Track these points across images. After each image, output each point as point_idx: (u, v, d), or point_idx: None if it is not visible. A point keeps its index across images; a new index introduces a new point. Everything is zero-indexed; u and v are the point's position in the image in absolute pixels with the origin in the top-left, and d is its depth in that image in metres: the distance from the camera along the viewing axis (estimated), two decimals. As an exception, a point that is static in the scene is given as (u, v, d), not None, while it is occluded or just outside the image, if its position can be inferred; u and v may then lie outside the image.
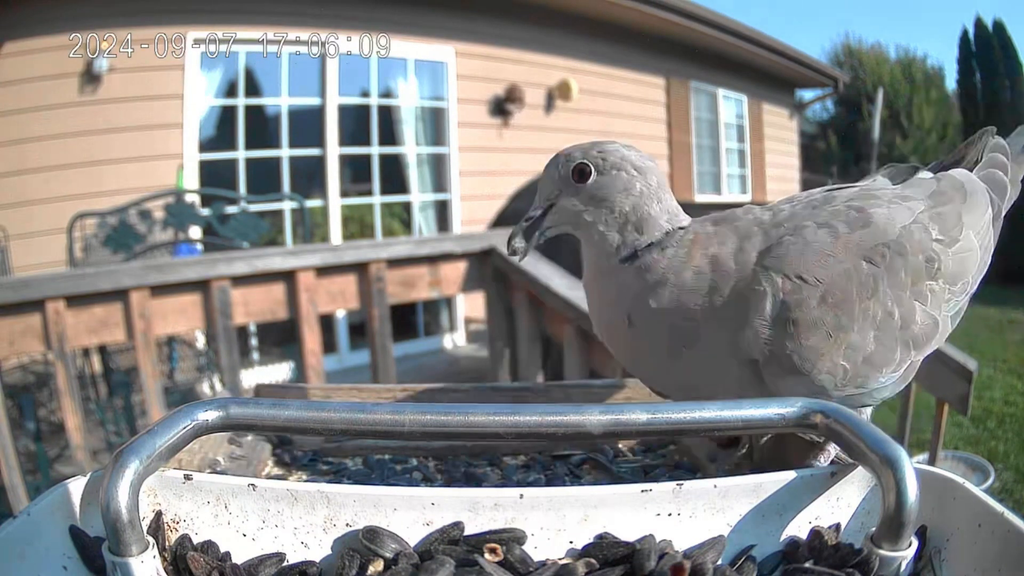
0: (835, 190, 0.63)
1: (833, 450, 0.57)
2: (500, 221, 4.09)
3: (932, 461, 1.97)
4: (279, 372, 4.21)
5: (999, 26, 12.12)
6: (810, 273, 0.53)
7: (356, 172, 5.71)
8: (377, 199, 5.54)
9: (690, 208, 0.63)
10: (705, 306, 0.55)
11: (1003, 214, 0.66)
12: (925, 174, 0.66)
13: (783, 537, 0.45)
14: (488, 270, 2.41)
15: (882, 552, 0.40)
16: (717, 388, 0.56)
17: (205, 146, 4.64)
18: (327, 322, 4.80)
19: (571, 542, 0.44)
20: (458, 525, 0.43)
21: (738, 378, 0.56)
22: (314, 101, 5.07)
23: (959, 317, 0.62)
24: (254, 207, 4.31)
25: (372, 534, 0.42)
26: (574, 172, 0.58)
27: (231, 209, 4.10)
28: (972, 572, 0.40)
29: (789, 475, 0.45)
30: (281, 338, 4.44)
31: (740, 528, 0.44)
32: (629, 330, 0.57)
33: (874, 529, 0.41)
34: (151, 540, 0.38)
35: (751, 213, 0.59)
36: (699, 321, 0.55)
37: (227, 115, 4.79)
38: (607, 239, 0.58)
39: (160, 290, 1.99)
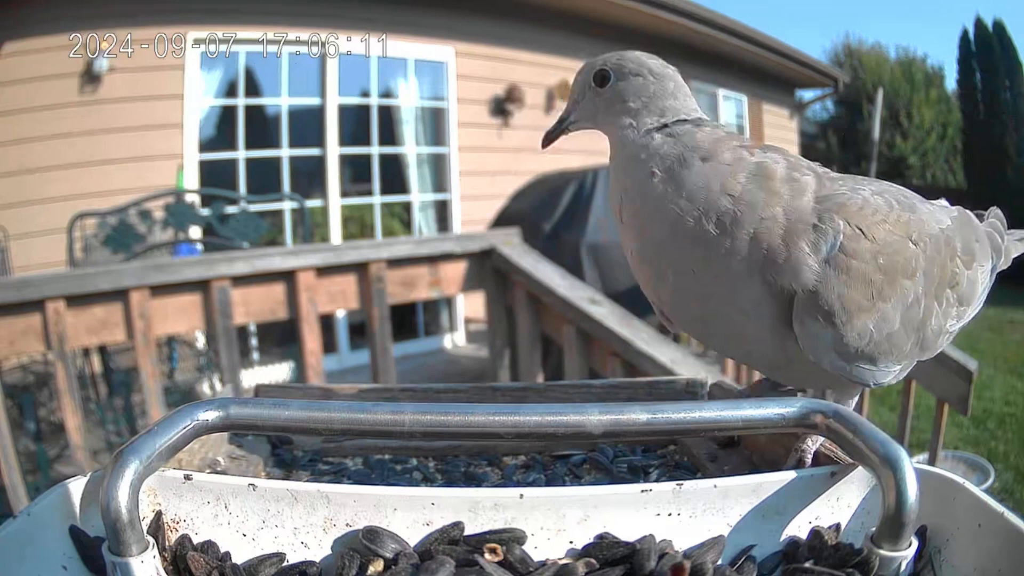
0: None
1: (812, 443, 0.56)
2: (500, 221, 4.09)
3: (932, 461, 1.97)
4: (279, 372, 4.21)
5: (999, 26, 12.11)
6: (870, 230, 0.53)
7: (356, 172, 5.71)
8: (377, 199, 5.54)
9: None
10: (745, 197, 0.52)
11: (993, 275, 0.68)
12: (945, 204, 0.66)
13: (783, 537, 0.45)
14: (488, 270, 2.41)
15: (882, 552, 0.40)
16: (723, 290, 0.54)
17: (205, 146, 4.64)
18: (327, 322, 4.80)
19: (571, 542, 0.44)
20: (458, 525, 0.43)
21: (754, 299, 0.53)
22: (314, 101, 5.07)
23: (949, 340, 0.62)
24: (254, 207, 4.31)
25: (372, 534, 0.42)
26: (595, 77, 0.61)
27: (231, 209, 4.10)
28: (972, 572, 0.40)
29: (789, 475, 0.45)
30: (281, 338, 4.44)
31: (740, 528, 0.44)
32: (653, 185, 0.55)
33: (874, 529, 0.41)
34: (151, 540, 0.38)
35: (795, 156, 0.59)
36: (737, 205, 0.52)
37: (227, 115, 4.79)
38: (627, 121, 0.59)
39: (160, 290, 1.99)
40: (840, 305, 0.52)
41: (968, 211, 0.67)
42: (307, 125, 5.12)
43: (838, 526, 0.45)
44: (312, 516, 0.44)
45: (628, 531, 0.44)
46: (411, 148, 5.64)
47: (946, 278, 0.58)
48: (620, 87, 0.60)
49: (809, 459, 0.56)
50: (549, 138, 0.66)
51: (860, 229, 0.53)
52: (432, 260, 2.36)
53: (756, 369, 0.66)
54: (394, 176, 5.61)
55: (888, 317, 0.54)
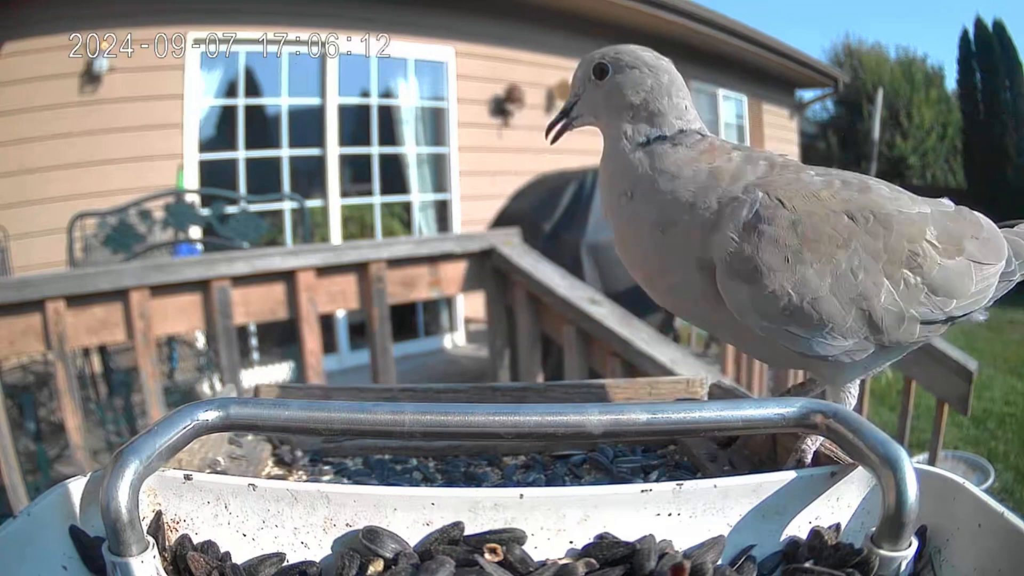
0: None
1: (812, 443, 0.57)
2: (500, 221, 4.09)
3: (932, 461, 1.97)
4: (279, 372, 4.21)
5: (999, 26, 12.11)
6: (789, 200, 0.57)
7: (356, 172, 5.71)
8: (377, 199, 5.54)
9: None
10: (690, 200, 0.60)
11: (1013, 283, 0.67)
12: (948, 203, 0.67)
13: (783, 537, 0.45)
14: (488, 270, 2.41)
15: (882, 552, 0.40)
16: (679, 281, 0.61)
17: (205, 146, 4.63)
18: (327, 322, 4.80)
19: (571, 542, 0.44)
20: (458, 525, 0.43)
21: (698, 281, 0.60)
22: (314, 101, 5.07)
23: (933, 332, 0.62)
24: (254, 207, 4.31)
25: (372, 534, 0.42)
26: (594, 70, 0.65)
27: (231, 209, 4.10)
28: (972, 572, 0.40)
29: (789, 475, 0.45)
30: (281, 338, 4.44)
31: (740, 528, 0.44)
32: (628, 203, 0.62)
33: (874, 529, 0.41)
34: (151, 540, 0.38)
35: (769, 154, 0.64)
36: (683, 210, 0.60)
37: (227, 115, 4.79)
38: (622, 128, 0.64)
39: (160, 290, 1.99)
40: (753, 265, 0.57)
41: (974, 212, 0.67)
42: (307, 125, 5.12)
43: (838, 526, 0.45)
44: (312, 516, 0.44)
45: (628, 531, 0.44)
46: (411, 148, 5.64)
47: (901, 257, 0.58)
48: (618, 80, 0.64)
49: (808, 459, 0.56)
50: (554, 131, 0.69)
51: (779, 199, 0.57)
52: (432, 260, 2.36)
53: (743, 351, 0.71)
54: (394, 176, 5.61)
55: (809, 281, 0.56)
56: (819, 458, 0.54)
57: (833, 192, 0.59)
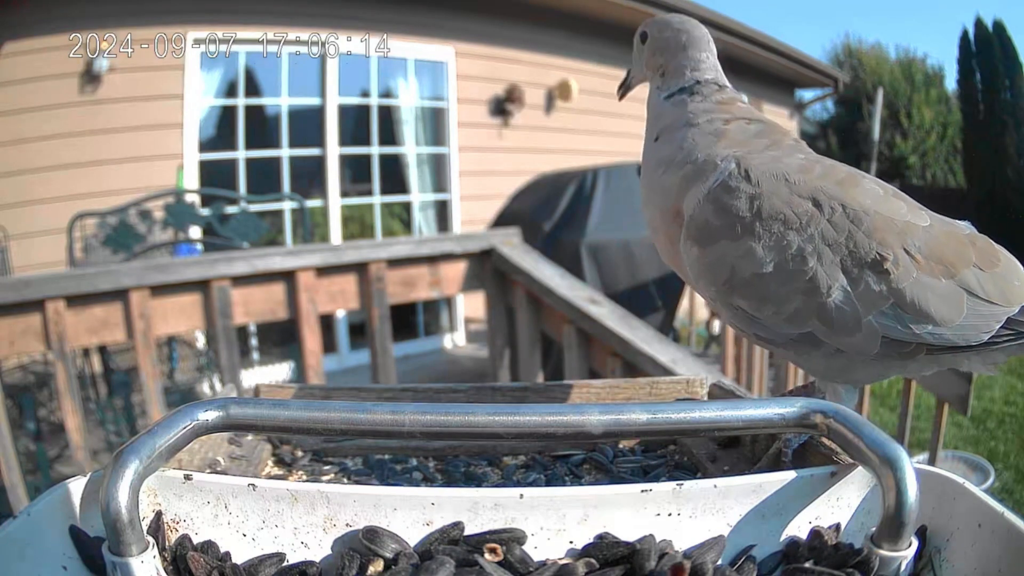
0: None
1: (796, 437, 0.56)
2: (500, 221, 4.09)
3: (932, 461, 1.97)
4: (279, 372, 4.21)
5: (999, 26, 12.10)
6: (756, 176, 0.58)
7: (356, 172, 5.71)
8: (377, 199, 5.54)
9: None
10: (688, 149, 0.64)
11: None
12: (969, 227, 0.63)
13: (783, 537, 0.45)
14: (488, 270, 2.40)
15: (882, 552, 0.40)
16: (661, 223, 0.66)
17: (205, 146, 4.64)
18: (327, 322, 4.80)
19: (571, 542, 0.44)
20: (458, 525, 0.43)
21: (673, 230, 0.64)
22: (314, 101, 5.07)
23: (906, 356, 0.58)
24: (254, 207, 4.31)
25: (372, 534, 0.42)
26: (640, 37, 0.75)
27: (231, 209, 4.10)
28: (972, 572, 0.40)
29: (789, 475, 0.45)
30: (281, 338, 4.44)
31: (740, 528, 0.44)
32: (653, 145, 0.69)
33: (874, 529, 0.41)
34: (151, 540, 0.38)
35: (784, 133, 0.66)
36: (679, 156, 0.64)
37: (227, 115, 4.79)
38: (655, 83, 0.73)
39: (160, 290, 1.99)
40: (706, 231, 0.59)
41: (998, 246, 0.60)
42: (307, 125, 5.12)
43: (838, 526, 0.45)
44: (312, 516, 0.44)
45: (628, 531, 0.44)
46: (411, 148, 5.64)
47: (864, 257, 0.55)
48: (651, 44, 0.73)
49: (790, 452, 0.56)
50: (623, 89, 0.81)
51: (746, 172, 0.59)
52: (432, 260, 2.36)
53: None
54: (394, 176, 5.61)
55: (755, 256, 0.57)
56: (819, 458, 0.54)
57: (808, 177, 0.58)
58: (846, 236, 0.56)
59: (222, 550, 0.43)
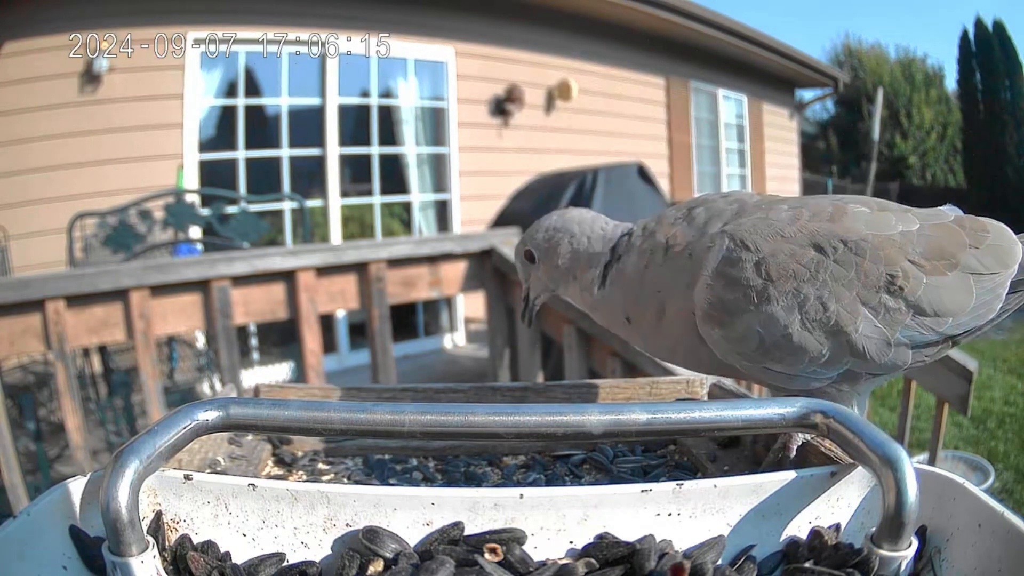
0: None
1: (798, 436, 0.57)
2: (500, 221, 4.08)
3: (932, 461, 1.97)
4: (279, 372, 4.21)
5: (999, 26, 12.11)
6: (753, 241, 0.58)
7: (356, 172, 5.70)
8: (377, 199, 5.54)
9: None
10: (668, 277, 0.63)
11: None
12: (952, 209, 0.65)
13: (783, 537, 0.45)
14: (488, 270, 2.40)
15: (882, 552, 0.40)
16: (686, 347, 0.65)
17: (205, 146, 4.63)
18: (327, 322, 4.80)
19: (571, 542, 0.44)
20: (458, 525, 0.43)
21: (694, 340, 0.63)
22: (314, 101, 5.07)
23: (935, 354, 0.60)
24: (254, 207, 4.31)
25: (372, 534, 0.42)
26: (526, 256, 0.73)
27: (231, 209, 4.10)
28: (972, 572, 0.40)
29: (789, 475, 0.45)
30: (281, 338, 4.44)
31: (740, 528, 0.44)
32: (631, 326, 0.68)
33: (874, 529, 0.41)
34: (151, 540, 0.38)
35: (739, 195, 0.65)
36: (666, 291, 0.64)
37: (227, 115, 4.78)
38: (576, 287, 0.70)
39: (160, 290, 1.99)
40: (720, 308, 0.59)
41: (980, 218, 0.63)
42: (307, 125, 5.12)
43: (838, 526, 0.45)
44: (312, 516, 0.44)
45: (628, 531, 0.44)
46: (411, 148, 5.64)
47: (878, 283, 0.57)
48: (544, 257, 0.71)
49: (793, 451, 0.57)
50: (527, 319, 0.78)
51: (743, 242, 0.59)
52: (432, 260, 2.36)
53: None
54: (394, 176, 5.60)
55: (777, 318, 0.57)
56: (819, 458, 0.54)
57: (800, 226, 0.58)
58: (855, 270, 0.57)
59: (222, 550, 0.43)
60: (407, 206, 5.75)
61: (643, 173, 3.85)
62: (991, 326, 0.62)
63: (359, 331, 4.87)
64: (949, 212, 0.64)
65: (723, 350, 0.61)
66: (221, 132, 4.83)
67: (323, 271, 2.19)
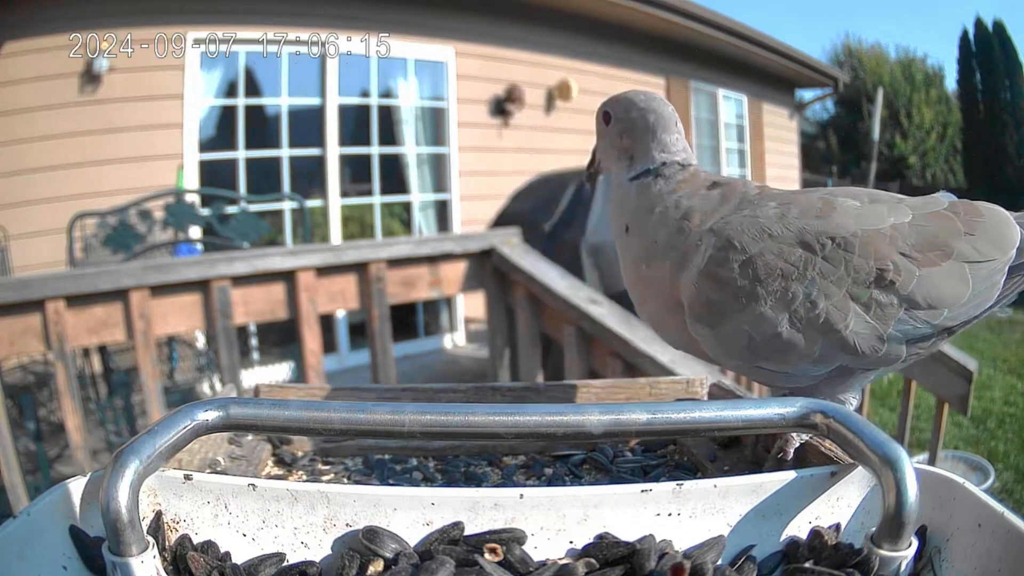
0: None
1: (796, 438, 0.57)
2: (500, 221, 4.08)
3: (932, 461, 1.97)
4: (279, 372, 4.21)
5: (999, 26, 12.11)
6: (740, 241, 0.58)
7: (356, 172, 5.70)
8: (377, 199, 5.54)
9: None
10: (665, 239, 0.63)
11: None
12: (946, 196, 0.64)
13: (783, 537, 0.45)
14: (488, 270, 2.40)
15: (882, 552, 0.40)
16: (658, 312, 0.66)
17: (205, 146, 4.63)
18: (327, 322, 4.80)
19: (571, 542, 0.44)
20: (458, 525, 0.43)
21: (674, 315, 0.63)
22: (314, 101, 5.07)
23: (931, 346, 0.60)
24: (254, 207, 4.31)
25: (372, 534, 0.42)
26: (602, 117, 0.72)
27: (231, 209, 4.10)
28: (972, 572, 0.40)
29: (789, 475, 0.45)
30: (281, 338, 4.44)
31: (740, 528, 0.44)
32: (625, 236, 0.68)
33: (874, 529, 0.41)
34: (151, 540, 0.38)
35: (747, 187, 0.65)
36: (659, 248, 0.63)
37: (227, 115, 4.78)
38: (620, 165, 0.70)
39: (160, 290, 1.99)
40: (711, 309, 0.59)
41: (975, 203, 0.62)
42: (307, 125, 5.12)
43: (838, 526, 0.45)
44: (312, 516, 0.44)
45: (628, 531, 0.44)
46: (411, 148, 5.64)
47: (866, 278, 0.56)
48: (616, 125, 0.70)
49: (791, 452, 0.57)
50: (590, 173, 0.77)
51: (730, 242, 0.59)
52: (432, 260, 2.36)
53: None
54: (394, 176, 5.60)
55: (766, 318, 0.57)
56: (819, 458, 0.54)
57: (787, 224, 0.58)
58: (844, 266, 0.56)
59: (222, 550, 0.43)
60: (407, 206, 5.75)
61: (643, 173, 3.84)
62: (990, 312, 0.61)
63: (359, 331, 4.87)
64: (943, 199, 0.62)
65: (713, 350, 0.61)
66: (221, 132, 4.83)
67: (323, 271, 2.19)
